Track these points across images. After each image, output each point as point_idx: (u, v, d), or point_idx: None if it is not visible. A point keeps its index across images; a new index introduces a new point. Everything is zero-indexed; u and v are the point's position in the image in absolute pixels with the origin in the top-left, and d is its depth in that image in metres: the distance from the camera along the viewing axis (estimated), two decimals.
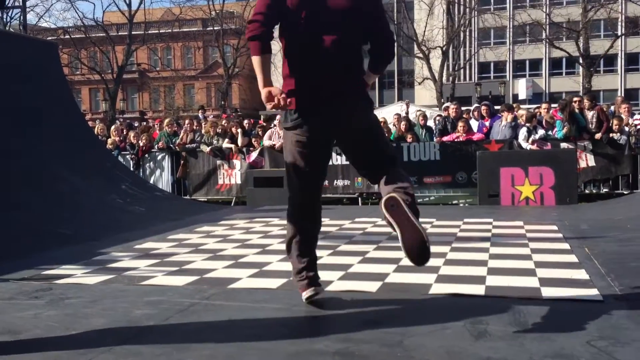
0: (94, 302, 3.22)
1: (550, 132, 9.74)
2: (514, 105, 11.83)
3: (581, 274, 3.54)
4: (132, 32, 32.67)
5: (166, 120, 12.56)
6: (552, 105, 11.94)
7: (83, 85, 47.11)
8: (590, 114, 9.65)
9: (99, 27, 35.32)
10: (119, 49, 33.79)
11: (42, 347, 2.45)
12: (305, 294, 2.93)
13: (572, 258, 4.05)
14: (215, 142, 11.11)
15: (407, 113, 12.50)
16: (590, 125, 9.59)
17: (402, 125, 11.18)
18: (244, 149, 10.95)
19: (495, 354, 2.22)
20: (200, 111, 18.41)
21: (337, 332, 2.55)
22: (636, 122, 9.79)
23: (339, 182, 10.43)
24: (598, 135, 9.41)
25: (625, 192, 9.29)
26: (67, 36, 34.55)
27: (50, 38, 26.89)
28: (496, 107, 11.48)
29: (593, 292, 3.12)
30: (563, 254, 4.24)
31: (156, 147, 11.69)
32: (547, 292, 3.14)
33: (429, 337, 2.47)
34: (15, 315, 2.99)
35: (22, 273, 4.01)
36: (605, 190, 9.55)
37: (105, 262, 4.40)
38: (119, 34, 38.87)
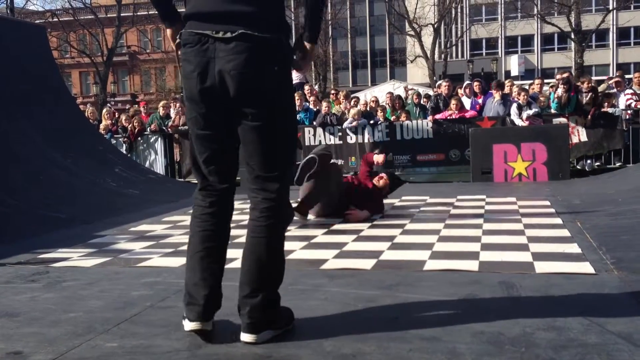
0: (91, 284, 3.24)
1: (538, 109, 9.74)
2: (507, 81, 11.84)
3: (573, 248, 3.58)
4: (121, 14, 32.35)
5: (161, 103, 12.51)
6: (545, 81, 11.98)
7: (73, 68, 46.78)
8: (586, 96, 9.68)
9: (88, 10, 34.98)
10: (108, 31, 33.50)
11: (39, 329, 2.47)
12: None
13: (565, 232, 4.09)
14: None
15: (406, 98, 12.46)
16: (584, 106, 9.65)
17: (396, 104, 11.18)
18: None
19: (489, 328, 2.25)
20: None
21: (332, 310, 2.58)
22: (627, 97, 9.81)
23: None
24: (588, 118, 9.47)
25: (616, 166, 9.34)
26: (56, 19, 34.17)
27: (38, 21, 26.61)
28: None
29: (585, 265, 3.16)
30: (556, 228, 4.28)
31: (149, 129, 11.64)
32: (540, 266, 3.18)
33: (424, 313, 2.50)
34: (13, 298, 3.01)
35: (19, 257, 4.02)
36: (597, 164, 9.60)
37: (100, 245, 4.41)
38: (108, 16, 38.54)
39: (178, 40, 2.25)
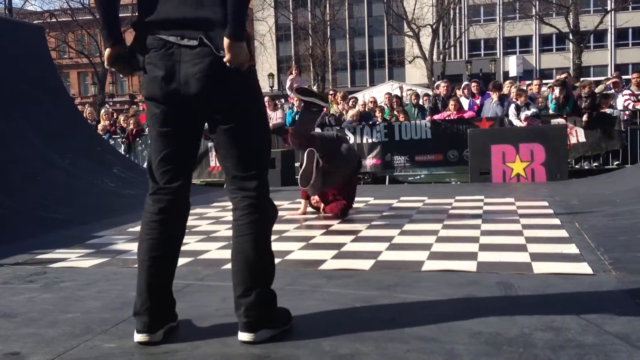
0: (89, 285, 3.24)
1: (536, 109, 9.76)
2: (508, 82, 11.85)
3: (571, 249, 3.58)
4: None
5: None
6: (544, 81, 12.00)
7: (71, 69, 46.69)
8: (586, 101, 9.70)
9: (86, 10, 34.90)
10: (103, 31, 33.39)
11: (37, 330, 2.47)
12: None
13: (563, 233, 4.10)
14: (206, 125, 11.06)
15: (401, 97, 12.50)
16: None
17: (394, 103, 11.19)
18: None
19: (487, 329, 2.25)
20: None
21: (331, 310, 2.58)
22: (625, 97, 9.83)
23: None
24: (585, 118, 9.49)
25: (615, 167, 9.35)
26: (54, 19, 34.14)
27: (36, 21, 26.59)
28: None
29: (583, 266, 3.17)
30: (554, 229, 4.29)
31: (147, 130, 11.62)
32: (538, 267, 3.18)
33: (421, 314, 2.50)
34: (10, 299, 3.00)
35: (16, 257, 4.02)
36: (595, 165, 9.61)
37: (98, 246, 4.41)
38: None
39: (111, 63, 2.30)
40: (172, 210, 2.29)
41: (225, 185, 2.85)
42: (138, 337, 2.24)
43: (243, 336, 2.20)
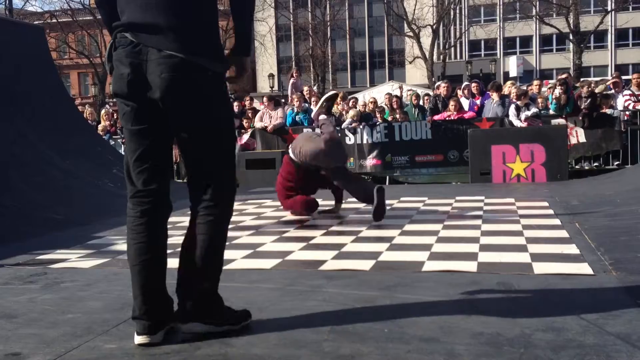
0: (89, 285, 3.24)
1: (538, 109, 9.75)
2: (509, 82, 11.85)
3: (572, 249, 3.58)
4: None
5: None
6: (550, 81, 12.01)
7: (72, 69, 46.72)
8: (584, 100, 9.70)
9: (86, 10, 34.90)
10: (107, 32, 33.40)
11: (38, 331, 2.47)
12: None
13: (563, 233, 4.10)
14: None
15: (400, 96, 12.51)
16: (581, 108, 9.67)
17: (394, 103, 11.18)
18: (235, 131, 10.92)
19: (488, 329, 2.25)
20: None
21: (331, 310, 2.58)
22: (625, 97, 9.83)
23: None
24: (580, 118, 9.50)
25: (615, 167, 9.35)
26: (54, 20, 34.15)
27: (37, 22, 26.58)
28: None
29: (584, 266, 3.16)
30: (554, 229, 4.29)
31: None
32: (539, 267, 3.18)
33: (422, 314, 2.50)
34: (11, 299, 3.00)
35: (17, 258, 4.02)
36: (595, 165, 9.61)
37: (99, 246, 4.41)
38: None
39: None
40: (154, 212, 2.31)
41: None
42: (138, 340, 2.25)
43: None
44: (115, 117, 12.65)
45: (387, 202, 5.89)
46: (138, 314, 2.26)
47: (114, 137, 11.62)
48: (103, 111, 13.00)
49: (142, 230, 2.29)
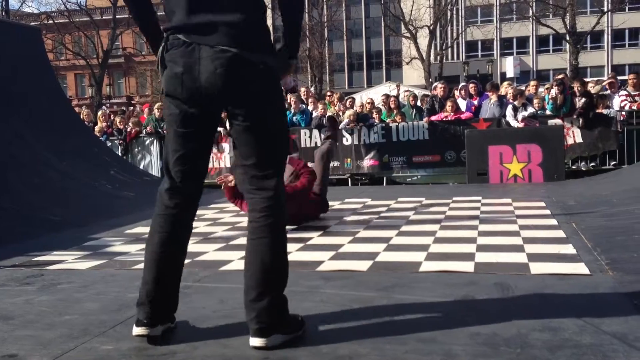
0: (86, 287, 3.23)
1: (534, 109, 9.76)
2: (506, 83, 11.85)
3: (568, 249, 3.59)
4: (117, 16, 32.28)
5: (157, 105, 12.48)
6: (541, 83, 12.03)
7: (68, 70, 46.66)
8: (580, 100, 9.71)
9: (83, 12, 34.89)
10: (104, 33, 33.41)
11: (34, 332, 2.46)
12: None
13: (560, 233, 4.10)
14: None
15: (397, 95, 12.52)
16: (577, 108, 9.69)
17: (392, 103, 11.17)
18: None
19: (485, 329, 2.26)
20: None
21: (328, 311, 2.58)
22: (621, 98, 9.85)
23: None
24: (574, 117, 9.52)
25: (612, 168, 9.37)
26: (51, 21, 34.09)
27: (33, 23, 26.55)
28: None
29: (580, 266, 3.17)
30: (551, 229, 4.29)
31: (144, 131, 11.62)
32: (536, 267, 3.18)
33: (419, 314, 2.50)
34: (7, 301, 2.99)
35: (13, 259, 4.01)
36: (592, 165, 9.63)
37: (96, 248, 4.40)
38: (103, 18, 38.44)
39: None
40: (186, 207, 2.30)
41: (238, 185, 2.84)
42: (137, 330, 2.23)
43: (255, 341, 2.15)
44: (111, 118, 12.64)
45: (384, 202, 5.90)
46: (144, 300, 2.23)
47: (110, 138, 11.60)
48: (100, 112, 12.98)
49: (171, 220, 2.27)
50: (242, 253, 3.91)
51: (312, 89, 16.58)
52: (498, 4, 41.55)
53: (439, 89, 11.16)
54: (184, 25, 2.18)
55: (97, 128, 11.79)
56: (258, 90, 2.17)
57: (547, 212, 5.11)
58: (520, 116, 9.41)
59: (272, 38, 2.29)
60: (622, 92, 9.99)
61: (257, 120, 2.19)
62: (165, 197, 2.29)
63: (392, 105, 11.16)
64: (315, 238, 4.39)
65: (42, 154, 6.77)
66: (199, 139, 2.26)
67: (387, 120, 10.89)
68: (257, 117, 2.19)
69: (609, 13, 36.33)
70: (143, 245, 4.34)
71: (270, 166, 2.23)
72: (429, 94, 12.39)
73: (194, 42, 2.15)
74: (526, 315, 2.40)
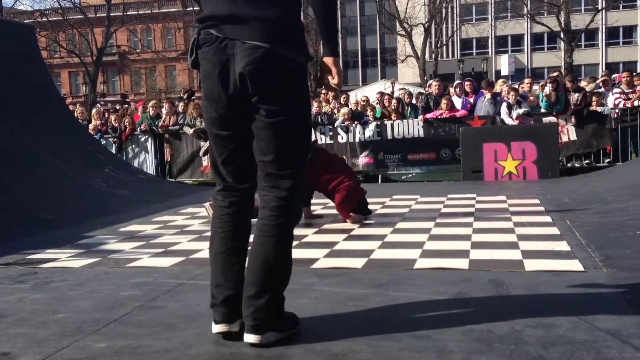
0: (80, 285, 3.22)
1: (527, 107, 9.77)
2: (501, 80, 11.87)
3: (563, 246, 3.60)
4: (111, 14, 32.20)
5: (151, 103, 12.44)
6: (536, 80, 12.05)
7: (62, 68, 46.51)
8: (575, 96, 9.73)
9: (77, 9, 34.77)
10: (98, 31, 33.33)
11: (28, 330, 2.45)
12: None
13: (554, 230, 4.11)
14: (198, 123, 11.03)
15: (392, 92, 12.51)
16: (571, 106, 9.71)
17: (393, 104, 11.15)
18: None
19: (479, 326, 2.26)
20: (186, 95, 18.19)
21: (322, 309, 2.58)
22: (615, 95, 9.87)
23: None
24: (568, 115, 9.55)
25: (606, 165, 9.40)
26: (45, 19, 33.97)
27: (27, 21, 26.43)
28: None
29: (574, 263, 3.18)
30: (545, 226, 4.30)
31: (139, 129, 11.59)
32: (530, 264, 3.19)
33: (414, 312, 2.50)
34: (1, 299, 2.98)
35: (7, 258, 4.00)
36: (586, 162, 9.66)
37: (90, 246, 4.39)
38: (97, 15, 38.33)
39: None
40: (242, 205, 2.30)
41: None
42: (217, 328, 2.24)
43: (250, 338, 2.15)
44: (106, 116, 12.60)
45: (379, 200, 5.90)
46: (218, 301, 2.22)
47: (105, 136, 11.56)
48: (94, 110, 12.93)
49: (229, 220, 2.27)
50: None
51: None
52: (493, 2, 41.61)
53: (433, 86, 11.17)
54: (214, 16, 2.16)
55: (91, 126, 11.75)
56: (286, 88, 2.15)
57: (542, 209, 5.12)
58: (514, 114, 9.43)
59: (304, 35, 2.27)
60: (616, 90, 10.01)
61: (283, 117, 2.15)
62: (219, 198, 2.31)
63: (387, 104, 11.15)
64: (310, 235, 4.39)
65: (35, 151, 6.74)
66: (238, 141, 2.23)
67: (388, 120, 10.87)
68: (282, 115, 2.15)
69: (603, 11, 36.41)
70: (137, 244, 4.37)
71: (289, 166, 2.19)
72: (424, 91, 12.38)
73: (227, 38, 2.13)
74: (520, 312, 2.40)
